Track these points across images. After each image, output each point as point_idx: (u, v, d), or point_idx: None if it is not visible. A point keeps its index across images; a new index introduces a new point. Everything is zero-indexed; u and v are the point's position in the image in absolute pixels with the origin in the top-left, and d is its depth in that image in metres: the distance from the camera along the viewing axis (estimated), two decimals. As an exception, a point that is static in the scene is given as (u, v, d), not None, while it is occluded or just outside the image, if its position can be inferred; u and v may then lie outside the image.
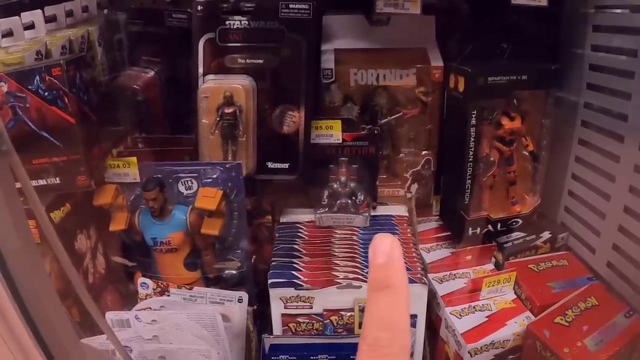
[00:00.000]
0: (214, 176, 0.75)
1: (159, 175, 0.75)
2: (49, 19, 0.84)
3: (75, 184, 0.71)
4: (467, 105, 0.76)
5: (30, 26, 0.81)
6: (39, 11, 0.82)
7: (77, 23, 0.88)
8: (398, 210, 0.87)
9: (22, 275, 0.47)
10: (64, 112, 0.68)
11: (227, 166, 0.75)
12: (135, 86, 0.84)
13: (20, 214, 0.47)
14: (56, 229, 0.53)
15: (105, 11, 0.84)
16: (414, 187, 0.88)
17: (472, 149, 0.78)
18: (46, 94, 0.67)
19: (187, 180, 0.76)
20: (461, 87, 0.77)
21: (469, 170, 0.79)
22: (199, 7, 0.77)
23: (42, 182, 0.70)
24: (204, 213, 0.74)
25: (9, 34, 0.76)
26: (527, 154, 0.82)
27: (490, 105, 0.78)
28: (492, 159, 0.80)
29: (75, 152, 0.69)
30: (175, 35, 0.83)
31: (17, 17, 0.79)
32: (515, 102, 0.79)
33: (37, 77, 0.66)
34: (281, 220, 0.87)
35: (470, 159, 0.78)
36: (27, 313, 0.47)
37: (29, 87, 0.67)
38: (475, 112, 0.76)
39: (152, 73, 0.86)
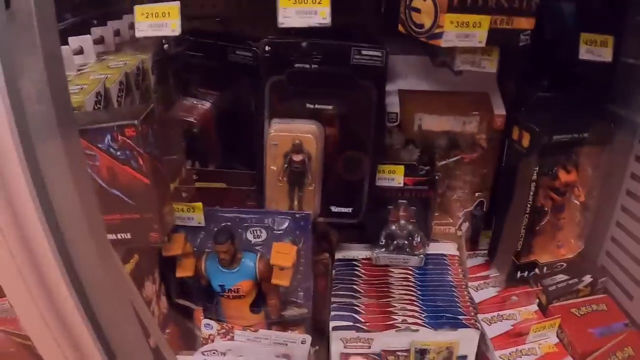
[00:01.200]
0: (284, 226, 0.76)
1: (229, 224, 0.75)
2: (96, 41, 0.78)
3: (147, 239, 0.69)
4: (531, 161, 0.78)
5: (79, 52, 0.76)
6: (87, 36, 0.76)
7: (123, 44, 0.82)
8: (449, 248, 0.90)
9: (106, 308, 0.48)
10: (139, 173, 0.65)
11: (296, 216, 0.75)
12: (191, 119, 0.80)
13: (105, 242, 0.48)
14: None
15: (166, 46, 0.78)
16: (465, 225, 0.91)
17: (530, 202, 0.80)
18: (118, 153, 0.64)
19: (256, 230, 0.76)
20: (526, 143, 0.78)
21: (525, 220, 0.81)
22: (267, 48, 0.74)
23: (112, 236, 0.68)
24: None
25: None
26: (578, 203, 0.85)
27: (552, 160, 0.79)
28: (545, 208, 0.83)
29: (149, 211, 0.68)
30: (236, 70, 0.79)
31: (66, 46, 0.73)
32: (573, 156, 0.80)
33: (109, 137, 0.63)
34: (337, 257, 0.88)
35: (528, 211, 0.80)
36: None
37: (99, 145, 0.63)
38: (537, 168, 0.78)
39: (208, 105, 0.82)
